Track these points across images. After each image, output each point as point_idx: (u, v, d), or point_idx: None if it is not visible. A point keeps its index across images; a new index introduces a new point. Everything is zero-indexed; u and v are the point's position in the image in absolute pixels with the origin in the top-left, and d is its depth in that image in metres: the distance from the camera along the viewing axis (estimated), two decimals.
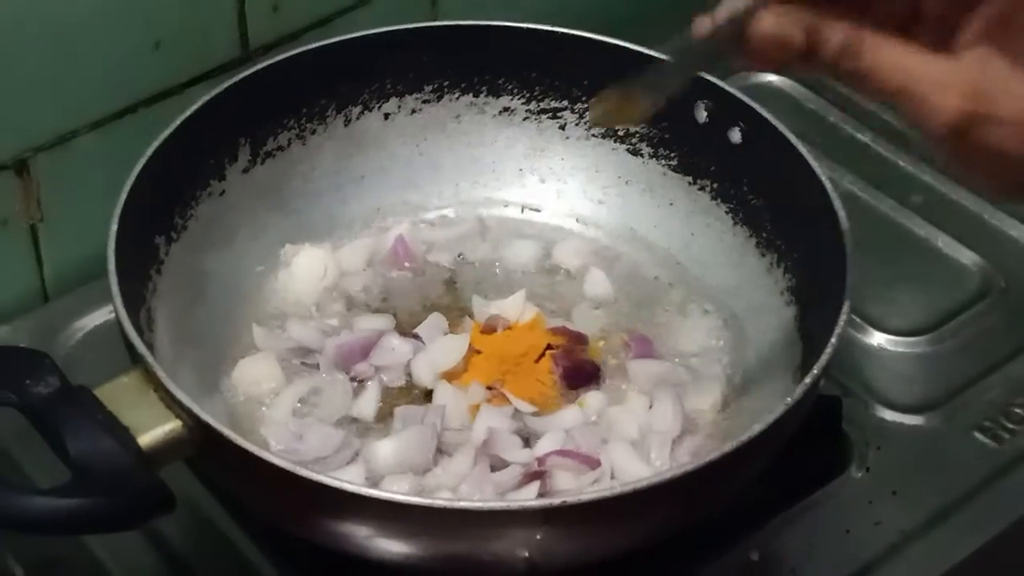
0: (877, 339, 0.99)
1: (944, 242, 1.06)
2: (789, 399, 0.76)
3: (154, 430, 0.74)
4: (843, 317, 0.80)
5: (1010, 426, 0.94)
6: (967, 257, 1.05)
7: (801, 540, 0.87)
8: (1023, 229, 1.07)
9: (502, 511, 0.73)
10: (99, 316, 0.97)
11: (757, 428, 0.74)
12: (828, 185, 0.87)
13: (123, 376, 0.76)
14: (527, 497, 0.80)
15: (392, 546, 0.75)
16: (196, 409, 0.73)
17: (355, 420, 0.87)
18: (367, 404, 0.87)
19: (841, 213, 0.85)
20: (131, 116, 0.99)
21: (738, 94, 0.93)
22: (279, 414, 0.87)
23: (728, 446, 0.74)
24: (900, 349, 0.99)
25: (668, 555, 0.82)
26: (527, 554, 0.74)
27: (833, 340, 0.79)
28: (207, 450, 0.75)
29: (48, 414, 0.72)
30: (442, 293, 0.96)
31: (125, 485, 0.70)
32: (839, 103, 1.17)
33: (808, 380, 0.77)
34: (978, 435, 0.93)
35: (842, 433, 0.93)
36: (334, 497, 0.71)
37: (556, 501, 0.72)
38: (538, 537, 0.73)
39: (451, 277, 0.97)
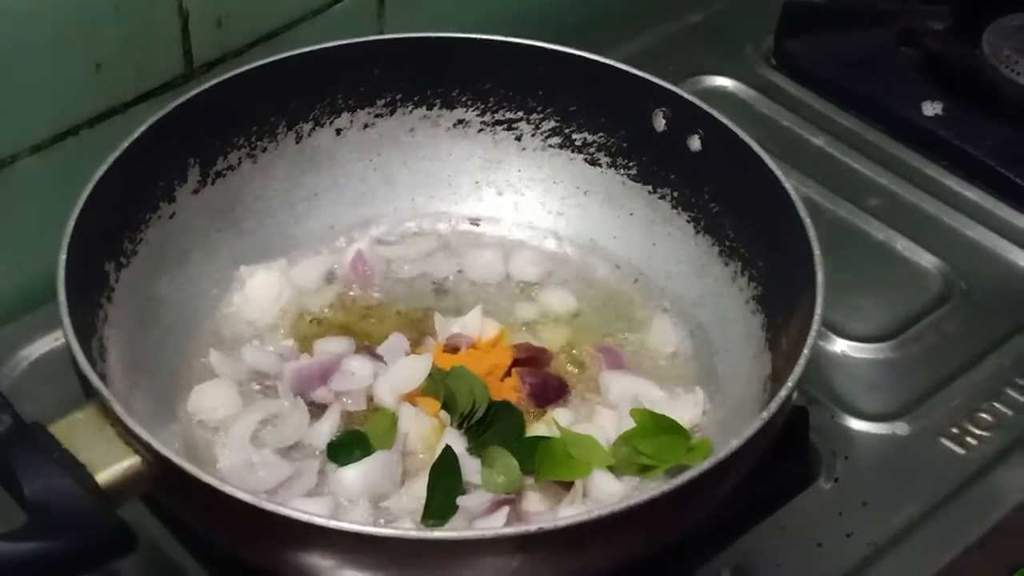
0: (840, 346, 0.98)
1: (904, 245, 1.05)
2: (765, 414, 0.75)
3: (112, 467, 0.72)
4: (815, 328, 0.78)
5: (977, 432, 0.93)
6: (927, 260, 1.04)
7: (772, 555, 0.86)
8: (981, 230, 1.07)
9: (475, 540, 0.71)
10: (45, 344, 0.95)
11: (734, 444, 0.73)
12: (792, 192, 0.86)
13: (77, 412, 0.73)
14: (497, 524, 0.78)
15: None
16: (156, 444, 0.71)
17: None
18: (324, 431, 0.85)
19: (807, 221, 0.84)
20: (73, 138, 0.97)
21: (697, 101, 0.92)
22: (234, 442, 0.85)
23: (704, 464, 0.72)
24: (864, 355, 0.98)
25: None
26: None
27: (806, 351, 0.77)
28: (167, 485, 0.73)
29: (1, 454, 0.70)
30: (402, 311, 0.94)
31: (85, 526, 0.68)
32: (791, 106, 1.16)
33: (783, 393, 0.76)
34: (945, 442, 0.92)
35: (809, 443, 0.91)
36: (299, 530, 0.69)
37: (532, 528, 0.70)
38: (514, 565, 0.71)
39: (411, 294, 0.95)
